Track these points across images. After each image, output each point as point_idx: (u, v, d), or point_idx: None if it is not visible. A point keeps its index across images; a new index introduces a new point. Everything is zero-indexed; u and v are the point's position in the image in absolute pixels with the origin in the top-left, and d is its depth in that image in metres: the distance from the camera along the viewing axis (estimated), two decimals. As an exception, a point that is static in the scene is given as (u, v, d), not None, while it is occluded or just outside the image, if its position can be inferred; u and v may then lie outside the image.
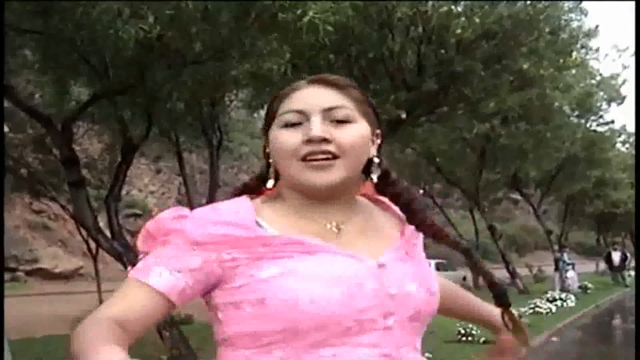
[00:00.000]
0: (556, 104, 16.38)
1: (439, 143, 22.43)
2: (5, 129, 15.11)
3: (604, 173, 30.49)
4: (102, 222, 12.18)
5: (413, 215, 1.58)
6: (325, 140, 1.45)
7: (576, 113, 24.25)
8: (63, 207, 15.82)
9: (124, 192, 14.27)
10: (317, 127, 1.45)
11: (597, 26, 17.59)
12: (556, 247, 29.90)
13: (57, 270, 36.89)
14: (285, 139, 1.48)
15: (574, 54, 15.10)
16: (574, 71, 17.55)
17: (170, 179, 50.98)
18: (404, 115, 13.03)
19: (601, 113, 26.84)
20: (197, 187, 19.85)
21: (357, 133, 1.49)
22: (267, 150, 1.57)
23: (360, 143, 1.50)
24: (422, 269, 1.55)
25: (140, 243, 1.54)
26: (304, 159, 1.46)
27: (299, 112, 1.48)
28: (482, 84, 13.48)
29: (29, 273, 35.13)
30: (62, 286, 34.56)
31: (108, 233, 11.76)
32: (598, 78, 24.74)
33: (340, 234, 1.52)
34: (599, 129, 27.90)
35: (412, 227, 1.58)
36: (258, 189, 1.62)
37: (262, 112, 17.97)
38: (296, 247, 1.45)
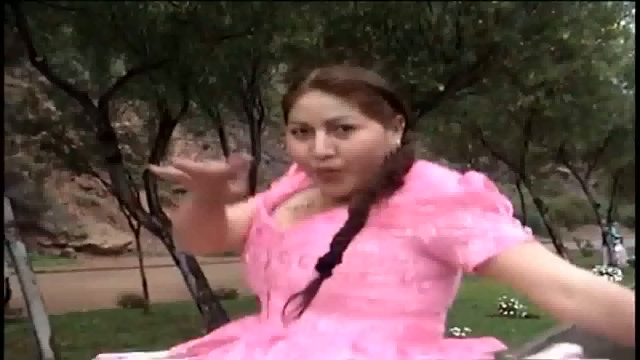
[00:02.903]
0: (601, 77, 16.07)
1: (484, 116, 22.22)
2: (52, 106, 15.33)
3: (654, 145, 29.96)
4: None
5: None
6: (329, 157, 1.47)
7: (624, 84, 23.80)
8: (105, 183, 15.99)
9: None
10: (320, 144, 1.46)
11: (639, -5, 17.22)
12: (604, 221, 29.47)
13: (106, 246, 37.50)
14: (295, 149, 1.53)
15: (618, 24, 14.80)
16: (621, 40, 17.22)
17: (218, 154, 51.24)
18: (441, 88, 12.90)
19: (651, 84, 26.37)
20: (242, 162, 19.91)
21: (362, 141, 1.48)
22: None
23: (367, 150, 1.48)
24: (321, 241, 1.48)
25: None
26: (316, 171, 1.51)
27: (303, 123, 1.50)
28: (521, 55, 13.28)
29: (78, 249, 35.78)
30: (112, 261, 35.14)
31: (147, 208, 11.88)
32: (647, 47, 24.26)
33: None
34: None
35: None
36: None
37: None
38: (257, 219, 1.69)
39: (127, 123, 16.48)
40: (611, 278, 19.90)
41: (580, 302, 1.30)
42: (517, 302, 12.72)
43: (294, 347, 1.44)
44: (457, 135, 26.36)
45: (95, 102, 11.29)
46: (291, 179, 1.77)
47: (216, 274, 12.38)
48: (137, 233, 15.22)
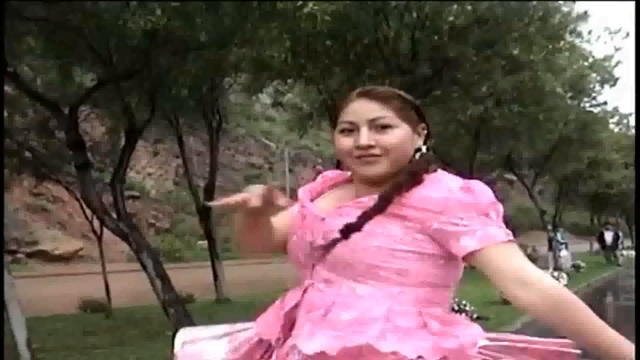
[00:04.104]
0: (548, 88, 16.62)
1: (433, 125, 22.38)
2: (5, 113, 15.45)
3: (597, 154, 30.55)
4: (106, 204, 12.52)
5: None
6: (370, 146, 1.96)
7: (569, 95, 24.39)
8: (67, 189, 16.16)
9: (122, 174, 14.65)
10: (364, 136, 1.97)
11: (585, 12, 17.87)
12: (550, 227, 30.18)
13: (57, 252, 37.13)
14: (342, 143, 2.01)
15: (564, 40, 15.35)
16: (566, 54, 17.78)
17: (167, 160, 51.11)
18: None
19: (594, 95, 26.93)
20: (194, 169, 20.18)
21: (397, 136, 1.99)
22: None
23: (399, 143, 1.99)
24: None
25: None
26: (357, 157, 1.98)
27: (351, 123, 1.99)
28: (474, 69, 13.82)
29: (29, 255, 35.34)
30: (63, 268, 34.86)
31: (113, 215, 12.12)
32: (590, 60, 24.92)
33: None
34: (592, 110, 28.10)
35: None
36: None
37: (261, 95, 18.39)
38: (301, 210, 2.17)
39: (89, 130, 16.62)
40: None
41: (532, 294, 1.80)
42: (468, 304, 13.16)
43: (339, 319, 1.93)
44: (407, 143, 26.69)
45: (65, 110, 11.54)
46: (322, 184, 2.28)
47: (173, 280, 12.63)
48: (100, 239, 15.37)
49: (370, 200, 1.96)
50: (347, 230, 1.93)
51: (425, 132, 2.09)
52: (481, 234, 1.85)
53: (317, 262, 2.03)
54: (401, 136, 1.98)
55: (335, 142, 2.05)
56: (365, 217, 1.93)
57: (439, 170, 2.04)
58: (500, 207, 1.95)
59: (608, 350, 1.76)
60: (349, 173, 2.19)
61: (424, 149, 2.06)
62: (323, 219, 2.02)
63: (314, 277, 2.03)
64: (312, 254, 2.03)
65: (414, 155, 2.04)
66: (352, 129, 1.99)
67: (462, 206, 1.87)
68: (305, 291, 2.06)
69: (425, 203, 1.91)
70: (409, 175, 1.97)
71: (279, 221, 2.21)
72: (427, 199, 1.91)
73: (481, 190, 1.93)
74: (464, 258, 1.90)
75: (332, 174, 2.28)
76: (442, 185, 1.95)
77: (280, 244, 2.22)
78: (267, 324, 2.13)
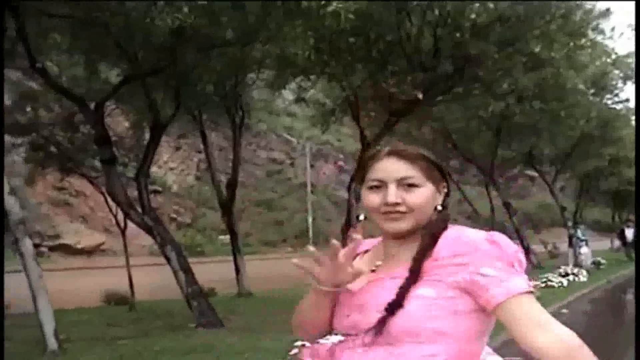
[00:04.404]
0: (569, 85, 16.60)
1: (455, 121, 22.83)
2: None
3: (618, 151, 30.47)
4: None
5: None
6: (397, 204, 2.06)
7: (591, 92, 24.31)
8: (92, 183, 16.38)
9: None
10: (392, 194, 2.06)
11: (608, 9, 17.77)
12: (570, 224, 30.12)
13: (79, 246, 37.48)
14: (371, 199, 2.11)
15: (585, 37, 15.36)
16: (588, 50, 17.74)
17: (189, 155, 51.33)
18: (420, 95, 13.47)
19: (616, 91, 26.85)
20: (216, 163, 20.33)
21: (422, 196, 2.08)
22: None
23: (424, 202, 2.09)
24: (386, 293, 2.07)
25: None
26: (383, 213, 2.09)
27: (380, 180, 2.10)
28: (495, 66, 13.89)
29: (52, 248, 35.70)
30: (85, 261, 35.20)
31: (138, 209, 12.31)
32: (613, 57, 24.81)
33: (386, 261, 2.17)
34: (615, 107, 28.01)
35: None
36: None
37: (283, 91, 18.51)
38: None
39: (114, 126, 16.80)
40: (576, 278, 20.54)
41: (551, 338, 1.90)
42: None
43: None
44: (429, 139, 26.80)
45: (91, 106, 11.75)
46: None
47: (194, 274, 12.74)
48: (124, 233, 15.54)
49: (403, 271, 2.06)
50: (391, 309, 2.00)
51: (445, 190, 2.20)
52: (508, 285, 1.94)
53: (351, 331, 2.11)
54: (426, 195, 2.10)
55: (363, 197, 2.16)
56: (404, 292, 2.02)
57: (451, 225, 2.16)
58: (523, 257, 2.07)
59: None
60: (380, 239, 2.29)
61: (439, 207, 2.16)
62: (354, 293, 2.11)
63: (352, 342, 2.09)
64: (349, 326, 2.11)
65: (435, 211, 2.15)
66: (380, 186, 2.10)
67: (489, 258, 1.97)
68: (332, 350, 2.13)
69: (453, 259, 2.02)
70: (430, 239, 2.08)
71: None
72: (454, 254, 2.02)
73: (506, 242, 2.03)
74: (493, 310, 1.98)
75: (365, 244, 2.34)
76: (465, 239, 2.06)
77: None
78: None
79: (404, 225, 2.08)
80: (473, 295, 1.98)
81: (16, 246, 9.21)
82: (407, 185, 2.08)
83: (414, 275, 2.03)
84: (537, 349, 1.89)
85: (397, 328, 1.99)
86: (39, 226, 35.46)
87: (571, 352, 1.88)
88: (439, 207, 2.15)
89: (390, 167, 2.11)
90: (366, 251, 2.30)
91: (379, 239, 2.27)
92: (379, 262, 2.17)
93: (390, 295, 2.01)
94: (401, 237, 2.12)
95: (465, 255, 1.99)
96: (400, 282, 2.03)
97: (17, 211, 9.13)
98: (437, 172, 2.16)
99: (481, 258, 1.97)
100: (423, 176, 2.10)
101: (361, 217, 2.27)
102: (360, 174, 2.21)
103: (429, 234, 2.08)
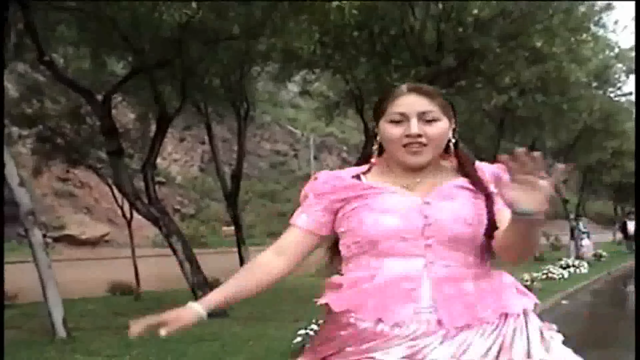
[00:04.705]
0: (572, 78, 16.68)
1: (459, 114, 22.82)
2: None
3: (621, 144, 30.55)
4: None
5: (462, 169, 2.35)
6: (419, 135, 2.23)
7: (594, 85, 24.35)
8: (98, 174, 16.54)
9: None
10: (415, 126, 2.23)
11: (609, 4, 17.92)
12: (572, 216, 30.21)
13: (83, 237, 37.57)
14: (392, 132, 2.27)
15: (587, 32, 15.43)
16: (591, 44, 17.82)
17: (193, 147, 51.42)
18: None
19: (619, 85, 26.94)
20: (220, 155, 20.43)
21: (440, 129, 2.28)
22: (376, 132, 2.39)
23: (442, 135, 2.29)
24: (462, 207, 2.25)
25: (300, 201, 2.42)
26: (404, 145, 2.25)
27: (402, 114, 2.26)
28: (498, 60, 14.02)
29: (56, 239, 35.80)
30: (89, 252, 35.35)
31: (144, 200, 12.46)
32: (616, 50, 24.88)
33: (411, 187, 2.31)
34: (618, 100, 28.05)
35: (464, 178, 2.34)
36: (368, 161, 2.45)
37: (288, 83, 18.65)
38: (371, 190, 2.29)
39: (120, 118, 16.94)
40: (577, 270, 20.72)
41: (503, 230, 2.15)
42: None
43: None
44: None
45: (99, 98, 11.91)
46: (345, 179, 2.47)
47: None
48: (129, 224, 15.70)
49: (463, 182, 2.31)
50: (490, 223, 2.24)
51: (453, 126, 2.37)
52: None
53: (431, 242, 2.23)
54: (444, 129, 2.28)
55: (382, 130, 2.31)
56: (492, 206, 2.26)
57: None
58: None
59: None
60: (355, 169, 2.45)
61: (453, 140, 2.35)
62: (428, 203, 2.24)
63: (430, 255, 2.21)
64: (426, 235, 2.22)
65: (447, 146, 2.34)
66: (401, 120, 2.26)
67: (496, 180, 2.14)
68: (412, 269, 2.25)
69: (485, 177, 2.30)
70: (472, 165, 2.36)
71: (300, 242, 2.39)
72: (485, 175, 2.32)
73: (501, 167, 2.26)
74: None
75: (338, 173, 2.45)
76: (483, 167, 2.37)
77: (306, 253, 2.41)
78: (389, 309, 2.19)
79: (424, 158, 2.27)
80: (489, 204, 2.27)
81: (26, 236, 9.38)
82: (426, 119, 2.25)
83: (482, 186, 2.29)
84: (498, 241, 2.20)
85: (469, 234, 2.23)
86: (43, 217, 35.40)
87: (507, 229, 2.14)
88: (453, 141, 2.35)
89: (411, 102, 2.27)
90: (360, 174, 2.42)
91: (359, 168, 2.44)
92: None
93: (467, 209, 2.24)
94: (418, 169, 2.30)
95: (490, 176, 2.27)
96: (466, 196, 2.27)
97: (27, 202, 9.28)
98: (450, 109, 2.34)
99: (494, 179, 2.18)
100: (440, 111, 2.28)
101: (373, 160, 2.42)
102: (379, 109, 2.36)
103: (471, 162, 2.36)
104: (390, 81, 13.08)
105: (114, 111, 12.90)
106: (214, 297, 2.38)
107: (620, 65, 25.36)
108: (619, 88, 27.20)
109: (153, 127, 14.05)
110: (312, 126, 49.24)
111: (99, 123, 12.71)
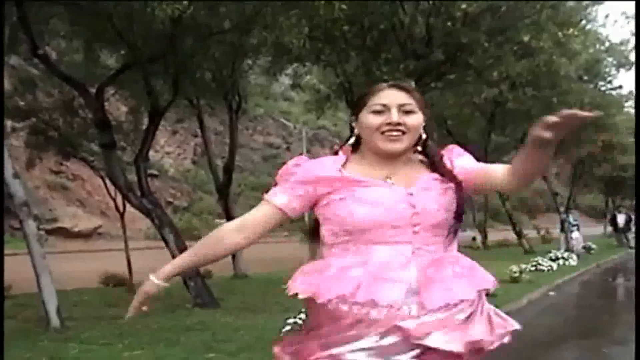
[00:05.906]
0: (562, 72, 16.81)
1: (449, 107, 23.14)
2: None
3: (612, 137, 30.69)
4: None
5: (432, 163, 2.57)
6: (398, 124, 2.45)
7: (585, 78, 24.46)
8: (91, 167, 16.66)
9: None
10: (395, 115, 2.45)
11: (597, -2, 18.04)
12: (562, 209, 30.37)
13: (76, 229, 37.69)
14: (372, 120, 2.48)
15: (574, 27, 15.54)
16: (581, 38, 17.93)
17: (186, 140, 51.55)
18: (412, 83, 13.73)
19: (610, 78, 27.07)
20: (213, 148, 20.56)
21: (417, 120, 2.51)
22: (354, 125, 2.60)
23: (418, 126, 2.52)
24: (440, 196, 2.46)
25: (276, 179, 2.59)
26: (382, 133, 2.46)
27: (383, 105, 2.49)
28: (486, 54, 14.18)
29: (49, 232, 35.86)
30: (82, 244, 35.45)
31: (137, 192, 12.57)
32: (607, 44, 25.02)
33: (391, 178, 2.50)
34: (610, 93, 28.14)
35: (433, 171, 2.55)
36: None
37: (280, 78, 18.77)
38: (357, 183, 2.45)
39: (112, 111, 17.02)
40: (566, 262, 20.87)
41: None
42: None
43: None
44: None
45: (92, 91, 12.00)
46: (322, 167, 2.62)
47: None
48: (122, 216, 15.80)
49: (435, 174, 2.53)
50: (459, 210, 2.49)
51: (424, 123, 2.58)
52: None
53: (418, 229, 2.44)
54: (420, 121, 2.51)
55: (363, 120, 2.52)
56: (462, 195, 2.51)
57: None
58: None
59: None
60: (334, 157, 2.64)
61: (424, 136, 2.57)
62: (411, 194, 2.45)
63: (417, 241, 2.43)
64: (413, 223, 2.42)
65: (419, 139, 2.56)
66: (382, 111, 2.47)
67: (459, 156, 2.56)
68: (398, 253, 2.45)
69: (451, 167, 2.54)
70: (441, 158, 2.57)
71: (269, 219, 2.55)
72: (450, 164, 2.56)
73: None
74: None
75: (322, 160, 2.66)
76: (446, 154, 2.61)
77: (269, 230, 2.57)
78: (384, 289, 2.35)
79: (401, 145, 2.48)
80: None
81: (19, 228, 9.49)
82: (405, 111, 2.48)
83: (453, 177, 2.50)
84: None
85: (443, 219, 2.46)
86: (36, 210, 35.47)
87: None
88: (424, 136, 2.57)
89: (393, 95, 2.51)
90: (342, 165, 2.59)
91: (338, 158, 2.61)
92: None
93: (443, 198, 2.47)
94: (394, 157, 2.51)
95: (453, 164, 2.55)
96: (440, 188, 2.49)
97: (21, 194, 9.39)
98: (424, 106, 2.56)
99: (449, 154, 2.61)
100: (416, 105, 2.51)
101: (336, 147, 2.66)
102: (360, 103, 2.57)
103: (439, 155, 2.58)
104: (380, 75, 13.25)
105: (106, 104, 12.99)
106: (170, 268, 2.58)
107: (610, 59, 25.50)
108: (610, 82, 27.31)
109: (145, 120, 14.15)
110: (305, 119, 49.37)
111: (92, 116, 12.80)
